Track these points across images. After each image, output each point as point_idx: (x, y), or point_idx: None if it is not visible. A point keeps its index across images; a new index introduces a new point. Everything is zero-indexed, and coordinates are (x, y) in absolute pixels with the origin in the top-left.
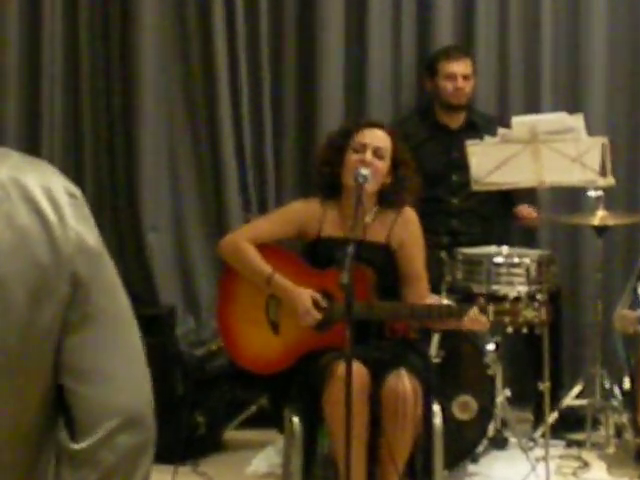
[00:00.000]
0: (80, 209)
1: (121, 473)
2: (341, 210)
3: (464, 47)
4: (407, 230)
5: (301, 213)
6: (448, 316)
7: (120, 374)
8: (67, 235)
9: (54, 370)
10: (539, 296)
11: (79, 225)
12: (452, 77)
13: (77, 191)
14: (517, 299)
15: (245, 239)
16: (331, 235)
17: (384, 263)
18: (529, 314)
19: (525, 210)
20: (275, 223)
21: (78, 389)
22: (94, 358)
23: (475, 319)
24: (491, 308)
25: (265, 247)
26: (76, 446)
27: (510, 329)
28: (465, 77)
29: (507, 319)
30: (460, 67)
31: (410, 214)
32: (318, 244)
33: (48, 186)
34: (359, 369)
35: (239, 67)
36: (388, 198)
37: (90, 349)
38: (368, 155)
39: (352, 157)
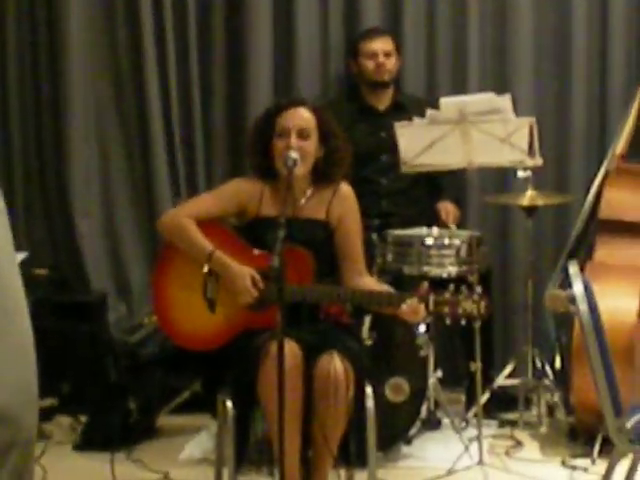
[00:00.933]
0: None
1: None
2: (278, 191)
3: (389, 28)
4: (345, 206)
5: (241, 191)
6: (388, 305)
7: None
8: None
9: None
10: (478, 288)
11: None
12: (373, 55)
13: None
14: (458, 288)
15: (186, 215)
16: (269, 215)
17: (322, 240)
18: (468, 306)
19: (444, 210)
20: (216, 200)
21: None
22: None
23: (414, 310)
24: (431, 298)
25: (205, 224)
26: None
27: (448, 321)
28: (386, 54)
29: (446, 310)
30: (380, 44)
31: (347, 190)
32: (256, 223)
33: None
34: (292, 347)
35: (167, 46)
36: (322, 173)
37: None
38: (293, 139)
39: (278, 143)
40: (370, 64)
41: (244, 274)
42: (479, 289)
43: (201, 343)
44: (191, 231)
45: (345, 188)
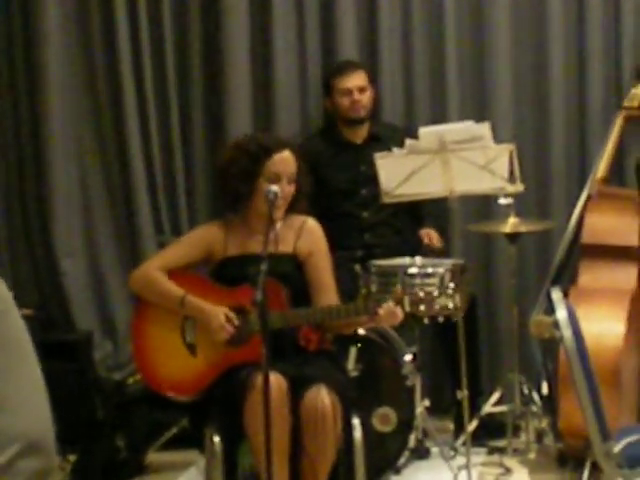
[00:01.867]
0: None
1: None
2: (246, 228)
3: (356, 60)
4: (312, 240)
5: (205, 237)
6: (364, 312)
7: (16, 400)
8: None
9: None
10: (451, 284)
11: None
12: (347, 92)
13: None
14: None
15: (155, 268)
16: (237, 253)
17: (293, 274)
18: (443, 301)
19: (427, 237)
20: (182, 248)
21: None
22: None
23: (391, 312)
24: (406, 299)
25: (174, 273)
26: None
27: (426, 320)
28: (361, 90)
29: (422, 307)
30: (354, 81)
31: (312, 225)
32: (225, 264)
33: None
34: (277, 379)
35: (145, 87)
36: (290, 205)
37: None
38: (285, 186)
39: (266, 186)
40: (345, 101)
41: (217, 312)
42: (452, 284)
43: (186, 390)
44: (160, 282)
45: (311, 223)
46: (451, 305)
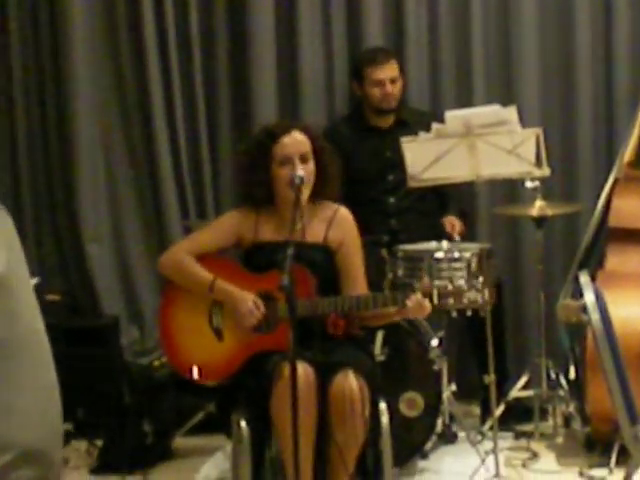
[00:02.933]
0: None
1: None
2: (277, 216)
3: (389, 47)
4: (344, 229)
5: (236, 221)
6: (393, 303)
7: (18, 407)
8: None
9: None
10: (480, 278)
11: None
12: (379, 83)
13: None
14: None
15: (184, 252)
16: (267, 240)
17: (323, 263)
18: (472, 295)
19: (450, 225)
20: (212, 234)
21: None
22: None
23: (419, 305)
24: (434, 291)
25: (204, 257)
26: None
27: (454, 313)
28: (392, 81)
29: (451, 301)
30: (386, 72)
31: (345, 213)
32: (255, 250)
33: None
34: (305, 369)
35: (172, 77)
36: (317, 191)
37: None
38: (298, 167)
39: (281, 172)
40: (376, 92)
41: (245, 298)
42: (481, 278)
43: (213, 375)
44: (190, 266)
45: (343, 211)
46: (480, 299)
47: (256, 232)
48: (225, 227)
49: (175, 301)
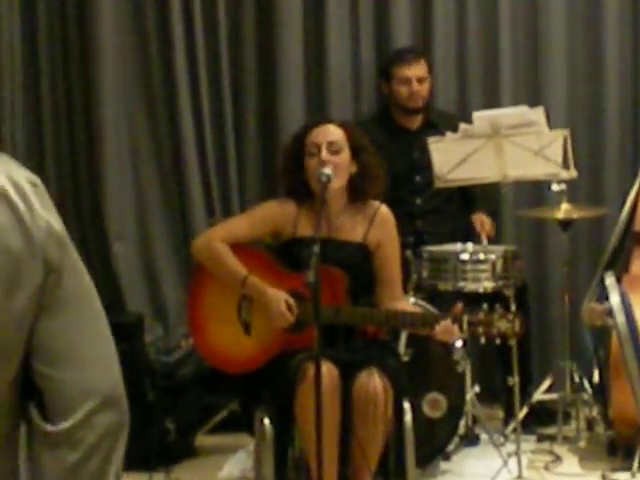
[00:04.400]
0: (43, 197)
1: (101, 452)
2: (314, 212)
3: (418, 47)
4: (384, 231)
5: (275, 213)
6: (422, 325)
7: (93, 356)
8: (37, 223)
9: (25, 354)
10: (512, 307)
11: (45, 213)
12: (407, 81)
13: (37, 180)
14: (491, 309)
15: (219, 239)
16: (305, 235)
17: (359, 263)
18: (503, 326)
19: (480, 223)
20: (250, 222)
21: (52, 373)
22: (67, 342)
23: (447, 330)
24: (465, 319)
25: (238, 247)
26: (53, 428)
27: (483, 340)
28: (420, 80)
29: (480, 330)
30: (414, 70)
31: (387, 214)
32: (293, 244)
33: (12, 176)
34: (329, 369)
35: (199, 74)
36: (357, 190)
37: (63, 333)
38: (324, 154)
39: (311, 162)
40: (404, 90)
41: (279, 299)
42: (513, 307)
43: (237, 366)
44: (225, 256)
45: (385, 212)
46: (510, 331)
47: (295, 227)
48: (263, 217)
49: (206, 285)
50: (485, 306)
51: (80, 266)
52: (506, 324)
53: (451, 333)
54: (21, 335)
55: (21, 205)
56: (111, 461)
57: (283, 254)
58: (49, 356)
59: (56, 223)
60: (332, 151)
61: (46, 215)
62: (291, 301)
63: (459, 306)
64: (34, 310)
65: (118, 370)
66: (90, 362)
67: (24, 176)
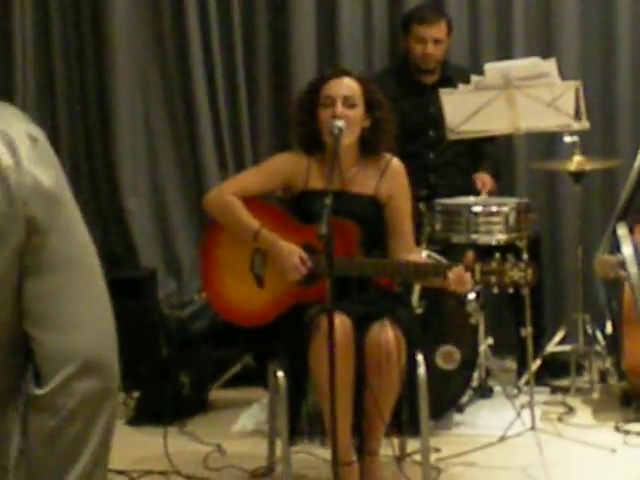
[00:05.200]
0: (40, 152)
1: (81, 419)
2: (326, 164)
3: (439, 5)
4: (395, 183)
5: (287, 166)
6: (434, 275)
7: (80, 319)
8: (22, 180)
9: (17, 317)
10: (524, 256)
11: (36, 168)
12: (423, 41)
13: (40, 134)
14: (504, 257)
15: (231, 192)
16: (317, 188)
17: (371, 216)
18: (515, 275)
19: (481, 182)
20: (261, 176)
21: (38, 335)
22: (53, 303)
23: (460, 278)
24: (477, 267)
25: (250, 200)
26: (38, 391)
27: (496, 289)
28: (436, 41)
29: (493, 279)
30: (432, 31)
31: (398, 166)
32: (304, 197)
33: (6, 130)
34: (343, 320)
35: (210, 28)
36: (369, 144)
37: (49, 294)
38: (338, 107)
39: (323, 113)
40: (418, 49)
41: (292, 252)
42: (526, 256)
43: (251, 319)
44: (237, 209)
45: (396, 164)
46: (522, 281)
47: (307, 179)
48: (274, 170)
49: (218, 239)
50: (497, 255)
51: (75, 226)
52: (519, 273)
53: (464, 282)
54: (5, 296)
55: (8, 160)
56: (93, 428)
57: (295, 207)
58: (36, 318)
59: (47, 179)
60: (347, 105)
61: (35, 170)
62: (304, 255)
63: (470, 254)
64: (17, 271)
65: (110, 336)
66: (75, 326)
67: (25, 130)
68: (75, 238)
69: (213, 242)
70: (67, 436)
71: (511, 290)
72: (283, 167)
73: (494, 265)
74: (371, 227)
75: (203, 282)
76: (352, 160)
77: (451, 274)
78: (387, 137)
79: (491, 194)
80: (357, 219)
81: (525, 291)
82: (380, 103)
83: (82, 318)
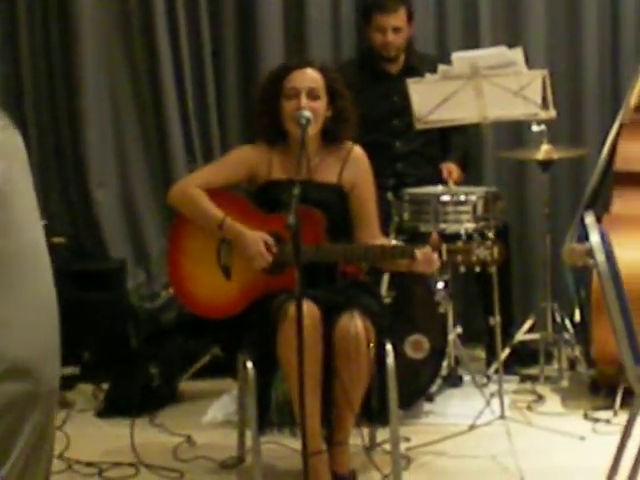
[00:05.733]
0: None
1: (5, 422)
2: (288, 154)
3: None
4: (358, 170)
5: (249, 157)
6: (401, 256)
7: (13, 320)
8: None
9: None
10: (490, 234)
11: None
12: (382, 30)
13: None
14: (470, 237)
15: (195, 185)
16: (280, 178)
17: (335, 204)
18: (481, 253)
19: (447, 171)
20: (224, 168)
21: None
22: None
23: (427, 258)
24: (444, 246)
25: (214, 192)
26: None
27: (462, 268)
28: (396, 29)
29: (459, 258)
30: (391, 20)
31: (360, 154)
32: (268, 187)
33: None
34: (311, 308)
35: (178, 17)
36: (331, 133)
37: None
38: (303, 100)
39: (287, 105)
40: (378, 38)
41: (257, 239)
42: (491, 235)
43: (219, 311)
44: (201, 201)
45: (358, 152)
46: (489, 258)
47: (269, 170)
48: (237, 161)
49: (185, 233)
50: (463, 235)
51: (20, 222)
52: (485, 251)
53: (431, 261)
54: None
55: None
56: (18, 433)
57: (259, 198)
58: None
59: None
60: (311, 97)
61: None
62: (270, 240)
63: (436, 235)
64: None
65: (43, 340)
66: (4, 326)
67: None
68: (17, 236)
69: (179, 237)
70: None
71: (478, 269)
72: (245, 159)
73: (460, 244)
74: (336, 215)
75: (170, 277)
76: (315, 150)
77: (419, 254)
78: (349, 126)
79: (457, 184)
80: (322, 207)
81: (492, 269)
82: (341, 93)
83: (16, 320)
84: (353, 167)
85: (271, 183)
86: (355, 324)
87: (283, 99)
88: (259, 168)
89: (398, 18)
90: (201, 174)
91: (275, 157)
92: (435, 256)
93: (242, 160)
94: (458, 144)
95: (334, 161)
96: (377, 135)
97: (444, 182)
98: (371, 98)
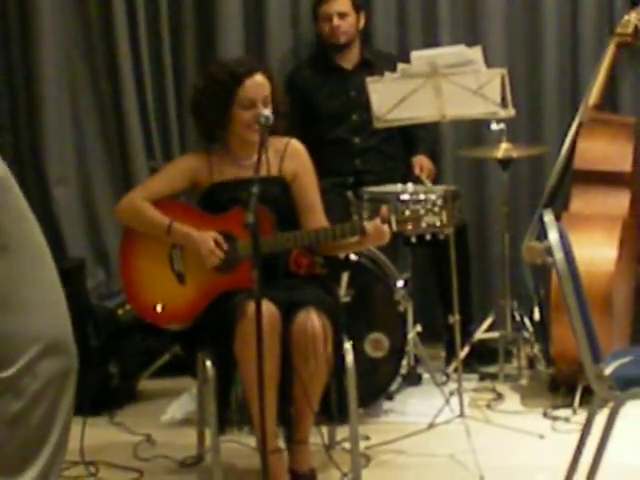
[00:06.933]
0: None
1: (47, 399)
2: (229, 155)
3: None
4: (298, 161)
5: (190, 165)
6: (352, 233)
7: (37, 301)
8: None
9: None
10: (438, 201)
11: None
12: (328, 18)
13: None
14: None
15: (140, 198)
16: (223, 180)
17: (280, 197)
18: (430, 219)
19: (419, 166)
20: (166, 178)
21: None
22: (9, 287)
23: (379, 231)
24: (393, 218)
25: (160, 202)
26: (1, 374)
27: (414, 239)
28: (341, 15)
29: (409, 226)
30: (334, 6)
31: (297, 145)
32: (212, 191)
33: None
34: (269, 308)
35: (137, 13)
36: (270, 128)
37: (4, 278)
38: (260, 108)
39: (244, 114)
40: (326, 27)
41: (205, 238)
42: (439, 202)
43: (178, 318)
44: (147, 210)
45: (295, 144)
46: (438, 222)
47: (211, 173)
48: (178, 171)
49: (134, 247)
50: (411, 204)
51: (23, 208)
52: (433, 217)
53: (382, 234)
54: None
55: None
56: (58, 409)
57: (205, 202)
58: None
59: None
60: (265, 104)
61: None
62: (219, 238)
63: (385, 208)
64: None
65: (65, 315)
66: (33, 307)
67: None
68: (26, 223)
69: (130, 251)
70: (32, 420)
71: (429, 236)
72: (186, 167)
73: (408, 213)
74: (281, 208)
75: (125, 292)
76: (254, 147)
77: (369, 227)
78: (284, 119)
79: (431, 177)
80: (267, 202)
81: (443, 235)
82: (277, 88)
83: (39, 299)
84: (292, 159)
85: (215, 186)
86: (312, 321)
87: (237, 108)
88: (200, 173)
89: (341, 4)
90: (145, 186)
91: (214, 160)
92: (386, 227)
93: (183, 168)
94: (425, 137)
95: (273, 155)
96: (335, 131)
97: (414, 177)
98: (327, 94)
